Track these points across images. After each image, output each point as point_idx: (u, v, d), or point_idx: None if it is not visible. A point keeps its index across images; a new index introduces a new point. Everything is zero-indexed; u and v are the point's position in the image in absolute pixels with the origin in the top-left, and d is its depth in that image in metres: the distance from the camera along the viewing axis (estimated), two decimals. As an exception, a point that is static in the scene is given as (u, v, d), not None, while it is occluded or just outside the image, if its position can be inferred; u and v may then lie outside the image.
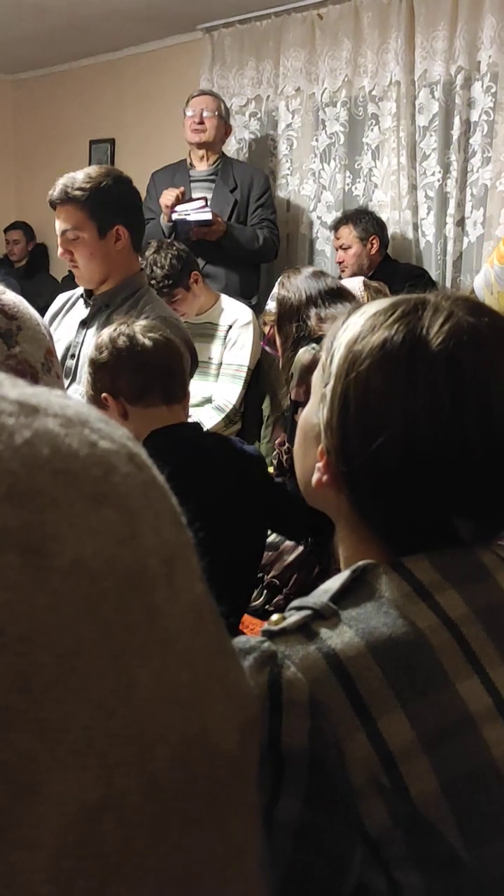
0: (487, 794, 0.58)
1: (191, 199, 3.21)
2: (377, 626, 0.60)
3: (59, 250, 1.93)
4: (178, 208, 3.16)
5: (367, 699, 0.57)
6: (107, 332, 1.48)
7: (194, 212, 3.12)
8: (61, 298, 2.10)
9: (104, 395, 1.44)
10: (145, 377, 1.42)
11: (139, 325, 1.48)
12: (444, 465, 0.64)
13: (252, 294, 3.33)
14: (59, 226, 1.91)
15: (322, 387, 0.71)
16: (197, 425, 1.51)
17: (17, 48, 4.42)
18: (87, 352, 1.86)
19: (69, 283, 3.84)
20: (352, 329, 0.69)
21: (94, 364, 1.46)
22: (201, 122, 3.37)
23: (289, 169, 3.78)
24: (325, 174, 3.66)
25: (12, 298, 0.87)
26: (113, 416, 1.43)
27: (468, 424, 0.64)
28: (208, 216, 3.11)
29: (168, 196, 3.20)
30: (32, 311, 0.88)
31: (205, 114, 3.37)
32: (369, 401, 0.65)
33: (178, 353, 1.48)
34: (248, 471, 1.49)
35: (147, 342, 1.43)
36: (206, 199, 3.19)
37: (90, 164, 4.57)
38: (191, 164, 3.48)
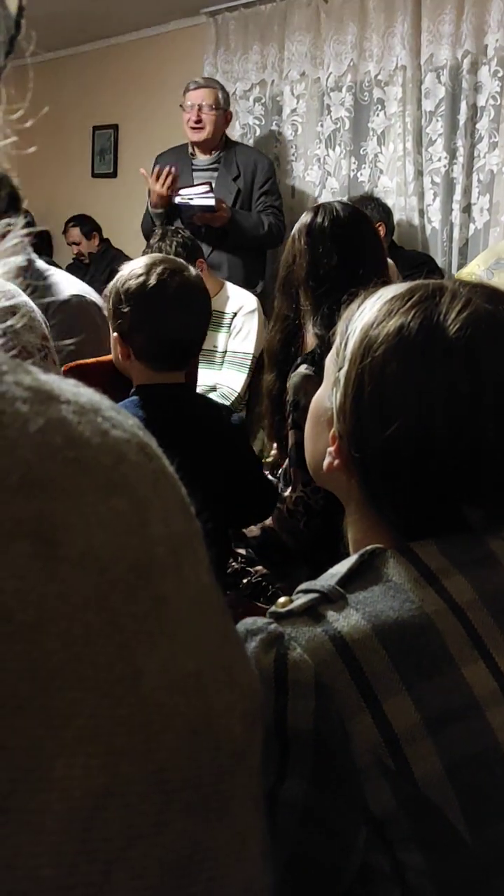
0: (491, 777, 0.59)
1: (194, 185, 3.18)
2: (384, 610, 0.61)
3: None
4: (181, 192, 3.12)
5: (373, 681, 0.58)
6: (154, 271, 1.25)
7: (198, 197, 3.10)
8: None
9: (115, 334, 1.31)
10: (165, 348, 1.30)
11: (191, 286, 1.26)
12: (456, 453, 0.65)
13: (257, 282, 3.31)
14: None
15: (335, 371, 0.71)
16: (185, 386, 1.38)
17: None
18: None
19: (73, 270, 3.82)
20: (367, 313, 0.69)
21: (119, 301, 1.27)
22: (199, 120, 3.27)
23: (293, 155, 3.75)
24: (330, 160, 3.64)
25: (5, 284, 0.87)
26: (112, 349, 1.32)
27: (483, 413, 0.64)
28: (212, 202, 3.08)
29: (157, 185, 3.11)
30: (26, 297, 0.88)
31: (203, 110, 3.27)
32: (384, 387, 0.66)
33: (205, 328, 1.36)
34: (234, 438, 1.41)
35: (181, 313, 1.26)
36: (210, 184, 3.16)
37: (93, 150, 4.54)
38: (192, 153, 3.43)
